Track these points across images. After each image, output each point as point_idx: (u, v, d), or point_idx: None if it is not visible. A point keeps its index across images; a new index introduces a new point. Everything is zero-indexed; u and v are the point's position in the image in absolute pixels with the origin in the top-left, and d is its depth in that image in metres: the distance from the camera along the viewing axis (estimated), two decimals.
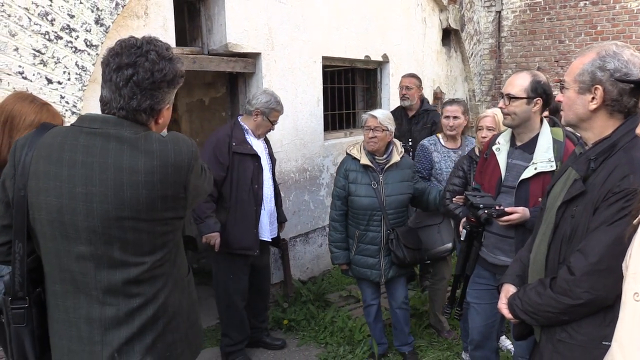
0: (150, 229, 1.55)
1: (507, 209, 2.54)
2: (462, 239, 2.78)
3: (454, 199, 3.41)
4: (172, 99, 1.68)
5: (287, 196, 4.88)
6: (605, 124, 1.77)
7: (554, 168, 2.56)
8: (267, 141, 3.89)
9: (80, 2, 3.07)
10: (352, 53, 5.61)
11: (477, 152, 3.50)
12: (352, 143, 3.83)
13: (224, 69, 4.29)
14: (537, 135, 2.68)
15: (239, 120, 3.74)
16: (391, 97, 6.25)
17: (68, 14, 3.02)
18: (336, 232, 3.64)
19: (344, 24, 5.42)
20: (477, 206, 2.57)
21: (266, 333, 4.13)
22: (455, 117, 3.96)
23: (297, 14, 4.83)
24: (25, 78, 2.87)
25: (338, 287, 5.21)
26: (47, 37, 2.94)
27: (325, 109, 5.46)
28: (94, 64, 3.18)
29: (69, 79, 3.07)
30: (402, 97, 4.94)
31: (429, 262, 4.09)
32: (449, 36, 7.48)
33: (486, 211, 2.50)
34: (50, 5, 2.94)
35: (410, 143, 4.78)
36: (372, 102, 6.41)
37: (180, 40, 4.02)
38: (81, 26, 3.09)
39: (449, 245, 3.86)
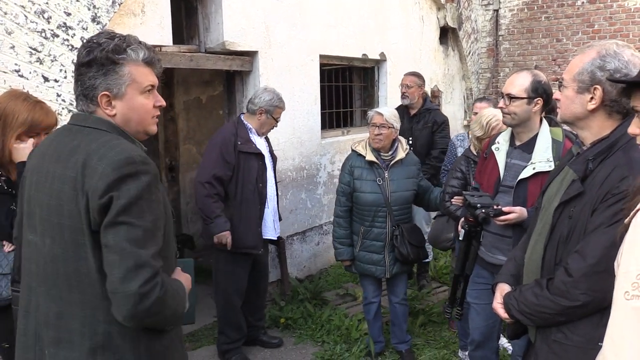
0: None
1: (504, 209, 2.54)
2: (460, 238, 2.78)
3: (452, 200, 3.41)
4: (111, 86, 1.51)
5: (284, 195, 4.88)
6: (604, 124, 1.76)
7: (552, 168, 2.56)
8: (267, 139, 3.89)
9: (77, 0, 3.06)
10: (350, 51, 5.60)
11: (473, 152, 3.50)
12: (357, 140, 3.84)
13: (221, 67, 4.28)
14: (537, 135, 2.68)
15: (242, 118, 3.73)
16: (389, 95, 6.24)
17: (64, 12, 3.00)
18: (340, 228, 3.65)
19: (341, 22, 5.41)
20: (474, 206, 2.57)
21: (263, 331, 4.13)
22: (476, 114, 3.94)
23: (294, 12, 4.82)
24: (21, 76, 2.86)
25: (335, 285, 5.21)
26: (43, 35, 2.93)
27: (323, 107, 5.45)
28: None
29: (65, 77, 3.06)
30: (402, 96, 4.94)
31: (427, 261, 4.11)
32: (447, 34, 7.47)
33: (484, 210, 2.50)
34: (47, 3, 2.92)
35: (411, 142, 4.78)
36: (370, 100, 6.40)
37: (177, 38, 4.01)
38: (78, 24, 3.07)
39: (451, 234, 3.90)
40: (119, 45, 1.52)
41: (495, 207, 2.54)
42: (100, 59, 1.49)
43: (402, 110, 4.97)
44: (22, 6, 2.81)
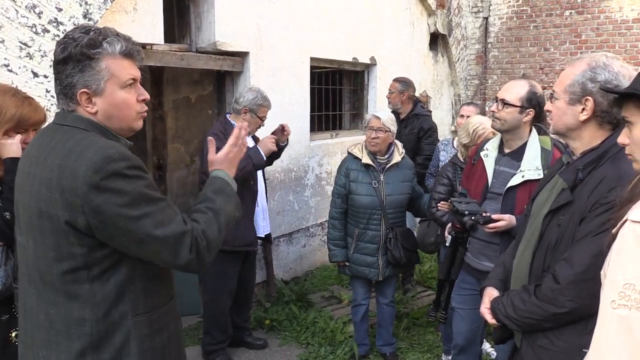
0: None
1: (493, 216, 2.56)
2: (447, 244, 2.80)
3: (439, 205, 3.43)
4: (89, 82, 1.46)
5: (271, 196, 4.87)
6: (594, 135, 1.79)
7: (541, 176, 2.58)
8: (255, 139, 3.89)
9: None
10: (341, 55, 5.62)
11: (460, 158, 3.52)
12: (354, 143, 3.86)
13: (212, 67, 4.27)
14: (526, 143, 2.70)
15: (229, 118, 3.73)
16: (378, 99, 6.26)
17: (56, 7, 2.98)
18: (335, 230, 3.68)
19: (333, 25, 5.43)
20: (462, 212, 2.58)
21: (248, 332, 4.13)
22: (467, 117, 3.97)
23: (286, 14, 4.82)
24: (10, 71, 2.83)
25: (320, 287, 5.22)
26: (34, 30, 2.90)
27: (312, 109, 5.46)
28: None
29: None
30: (388, 101, 4.97)
31: (409, 265, 4.14)
32: (437, 41, 7.52)
33: (472, 218, 2.52)
34: None
35: None
36: (359, 104, 6.43)
37: (169, 37, 3.99)
38: (69, 20, 3.05)
39: (433, 239, 3.96)
40: (94, 39, 1.45)
41: (483, 214, 2.56)
42: (75, 55, 1.43)
43: (393, 115, 4.99)
44: (13, 0, 2.78)
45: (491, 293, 2.05)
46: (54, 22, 2.98)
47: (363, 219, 3.57)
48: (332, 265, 5.72)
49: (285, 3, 4.78)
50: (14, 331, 2.06)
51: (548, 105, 1.92)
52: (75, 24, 3.07)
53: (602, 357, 1.22)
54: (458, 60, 8.00)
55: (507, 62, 7.96)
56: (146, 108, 1.62)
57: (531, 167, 2.65)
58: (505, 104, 2.63)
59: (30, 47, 2.89)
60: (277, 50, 4.75)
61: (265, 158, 3.61)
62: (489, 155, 2.81)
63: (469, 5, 8.06)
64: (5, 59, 2.79)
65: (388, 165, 3.57)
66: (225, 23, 4.18)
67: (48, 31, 2.96)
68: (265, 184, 3.98)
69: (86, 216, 1.37)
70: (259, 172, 3.81)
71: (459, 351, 3.08)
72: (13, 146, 2.14)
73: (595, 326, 1.65)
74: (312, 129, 5.52)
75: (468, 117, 3.97)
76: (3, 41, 2.77)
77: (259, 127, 3.79)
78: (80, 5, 3.10)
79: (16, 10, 2.80)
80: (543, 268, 1.83)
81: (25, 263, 1.52)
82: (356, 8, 5.73)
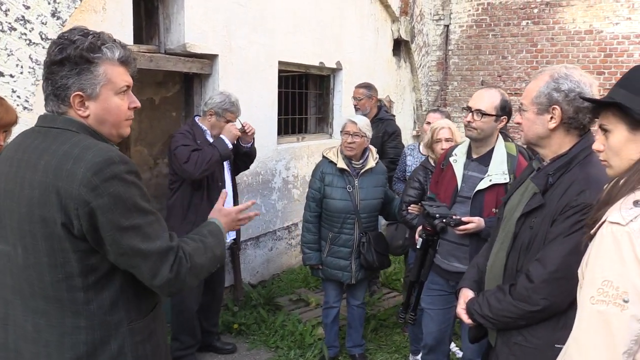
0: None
1: (463, 219, 2.65)
2: (418, 247, 2.87)
3: (409, 208, 3.51)
4: (84, 86, 1.45)
5: (239, 200, 4.85)
6: (563, 141, 1.90)
7: (507, 180, 2.71)
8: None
9: None
10: (308, 59, 5.66)
11: (431, 163, 3.63)
12: (328, 147, 3.90)
13: (181, 69, 4.23)
14: (493, 149, 2.82)
15: (197, 120, 3.72)
16: (344, 103, 6.34)
17: (23, 5, 2.90)
18: (309, 233, 3.70)
19: (300, 29, 5.47)
20: (433, 216, 2.66)
21: (216, 337, 4.10)
22: (429, 124, 4.08)
23: (255, 17, 4.83)
24: None
25: (287, 291, 5.23)
26: (0, 27, 2.81)
27: (279, 113, 5.48)
28: None
29: (21, 73, 2.94)
30: (355, 108, 5.03)
31: (381, 268, 4.22)
32: (400, 47, 7.67)
33: (444, 220, 2.60)
34: None
35: None
36: (325, 108, 6.48)
37: (136, 38, 3.93)
38: (37, 18, 2.97)
39: (401, 242, 4.08)
40: (94, 43, 1.45)
41: (454, 216, 2.65)
42: (74, 57, 1.42)
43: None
44: None
45: (466, 294, 2.13)
46: (21, 20, 2.90)
47: (337, 223, 3.61)
48: (298, 268, 5.77)
49: (254, 7, 4.79)
50: None
51: (517, 118, 2.02)
52: (43, 23, 3.00)
53: (581, 348, 1.30)
54: (420, 66, 8.18)
55: (466, 69, 8.20)
56: (133, 115, 1.62)
57: (498, 171, 2.77)
58: (482, 114, 2.72)
59: None
60: (245, 54, 4.75)
61: (230, 146, 3.58)
62: (458, 161, 2.91)
63: (430, 13, 8.26)
64: None
65: (362, 170, 3.62)
66: (195, 25, 4.15)
67: (15, 29, 2.87)
68: (235, 188, 3.97)
69: (80, 219, 1.35)
70: (228, 176, 3.79)
71: (428, 350, 3.16)
72: None
73: (567, 323, 1.75)
74: (279, 133, 5.53)
75: (429, 123, 4.11)
76: None
77: None
78: (49, 4, 3.02)
79: None
80: (517, 268, 1.92)
81: (11, 273, 1.46)
82: (323, 13, 5.79)
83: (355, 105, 5.03)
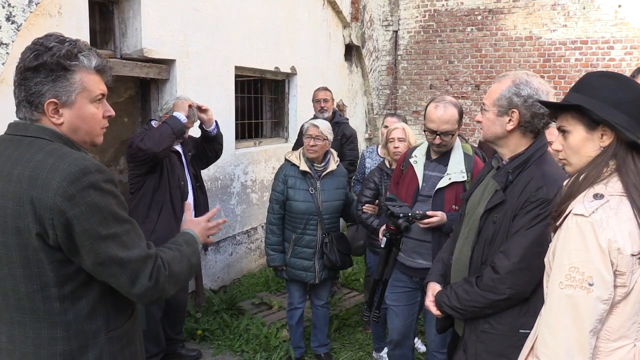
0: None
1: (428, 213, 2.78)
2: (382, 246, 2.96)
3: (364, 208, 3.63)
4: (59, 93, 1.45)
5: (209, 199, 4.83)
6: (519, 142, 2.04)
7: (465, 178, 2.87)
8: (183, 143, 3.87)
9: None
10: (263, 64, 5.71)
11: (387, 165, 3.76)
12: (290, 150, 3.97)
13: (138, 74, 4.18)
14: (451, 149, 2.97)
15: (152, 124, 3.71)
16: (298, 108, 6.42)
17: None
18: (273, 235, 3.74)
19: (255, 35, 5.50)
20: (397, 215, 2.77)
21: (181, 344, 4.07)
22: (387, 127, 4.22)
23: (211, 23, 4.83)
24: None
25: (249, 295, 5.24)
26: None
27: (235, 118, 5.49)
28: (3, 63, 2.98)
29: None
30: (321, 110, 5.10)
31: (343, 268, 4.31)
32: (351, 52, 7.84)
33: (410, 214, 2.71)
34: None
35: None
36: (280, 112, 6.54)
37: (92, 42, 3.86)
38: None
39: (361, 242, 4.19)
40: (71, 50, 1.44)
41: (418, 212, 2.77)
42: (50, 64, 1.41)
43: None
44: None
45: (434, 287, 2.25)
46: None
47: (300, 224, 3.67)
48: (258, 272, 5.79)
49: (210, 12, 4.79)
50: None
51: (479, 117, 2.15)
52: None
53: (552, 330, 1.42)
54: (371, 70, 8.38)
55: (415, 74, 8.46)
56: (107, 123, 1.61)
57: (456, 170, 2.92)
58: (449, 134, 2.85)
59: None
60: (202, 59, 4.75)
61: (183, 119, 3.53)
62: (418, 162, 3.04)
63: (380, 19, 8.47)
64: None
65: (324, 173, 3.71)
66: (152, 30, 4.12)
67: None
68: (205, 193, 4.00)
69: (55, 229, 1.34)
70: (187, 176, 3.80)
71: (394, 346, 3.26)
72: None
73: (529, 309, 1.89)
74: (237, 137, 5.55)
75: (386, 126, 4.26)
76: None
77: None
78: (3, 7, 2.94)
79: None
80: (482, 261, 2.04)
81: None
82: (277, 18, 5.85)
83: (322, 107, 5.11)
